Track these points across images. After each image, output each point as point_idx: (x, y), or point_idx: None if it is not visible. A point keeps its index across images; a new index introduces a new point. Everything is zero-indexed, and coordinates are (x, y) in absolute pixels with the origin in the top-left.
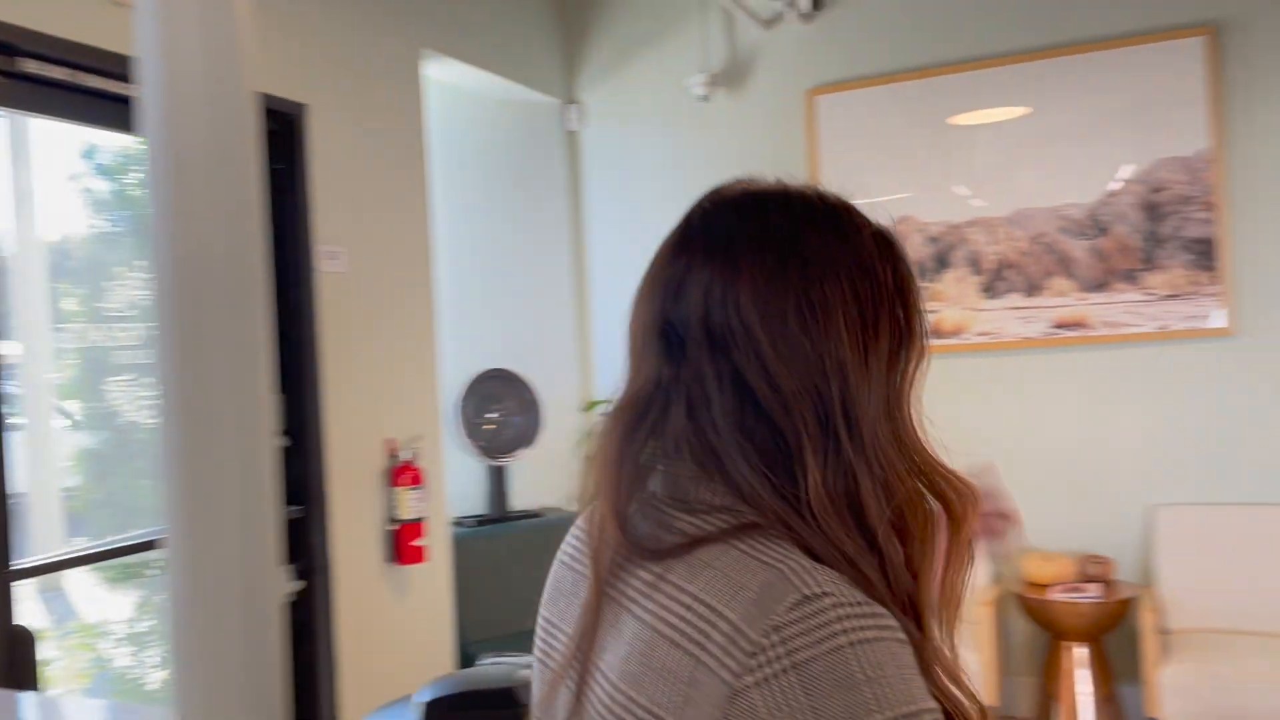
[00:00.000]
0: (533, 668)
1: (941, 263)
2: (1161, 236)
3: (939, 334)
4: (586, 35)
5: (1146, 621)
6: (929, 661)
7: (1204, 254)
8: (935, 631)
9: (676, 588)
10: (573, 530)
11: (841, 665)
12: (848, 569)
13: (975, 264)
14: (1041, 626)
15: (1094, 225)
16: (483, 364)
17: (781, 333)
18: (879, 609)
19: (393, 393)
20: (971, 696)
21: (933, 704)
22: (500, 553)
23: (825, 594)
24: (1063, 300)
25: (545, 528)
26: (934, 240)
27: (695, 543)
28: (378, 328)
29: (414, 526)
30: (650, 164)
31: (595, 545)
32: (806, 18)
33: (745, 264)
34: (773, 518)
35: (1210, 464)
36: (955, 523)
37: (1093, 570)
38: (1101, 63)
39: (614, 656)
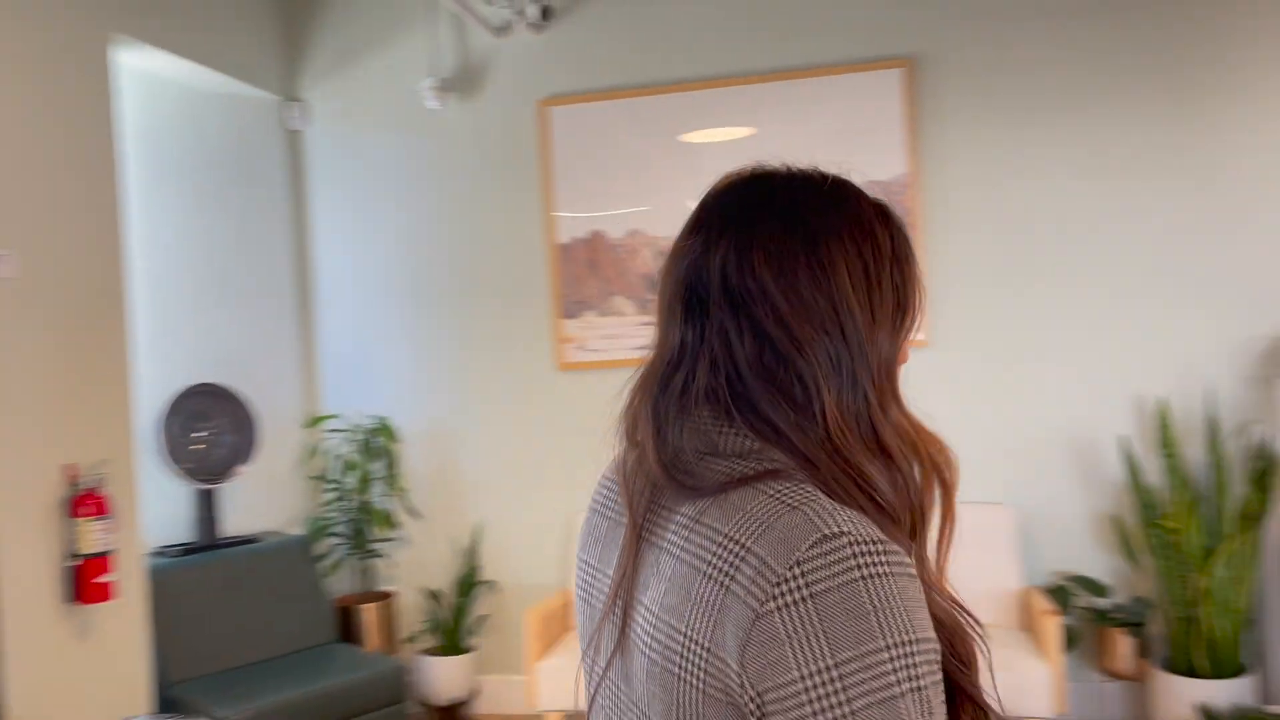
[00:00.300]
0: (576, 606)
1: None
2: None
3: None
4: (310, 30)
5: None
6: (929, 581)
7: None
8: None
9: (711, 529)
10: (602, 481)
11: (853, 596)
12: (866, 501)
13: None
14: None
15: None
16: (189, 379)
17: (794, 287)
18: (893, 547)
19: (75, 413)
20: (968, 613)
21: (933, 636)
22: (209, 583)
23: (843, 533)
24: None
25: (263, 554)
26: (664, 254)
27: (726, 486)
28: (56, 339)
29: (99, 561)
30: (381, 169)
31: (630, 493)
32: (536, 28)
33: (757, 231)
34: (797, 457)
35: None
36: (944, 483)
37: None
38: (814, 89)
39: (655, 592)
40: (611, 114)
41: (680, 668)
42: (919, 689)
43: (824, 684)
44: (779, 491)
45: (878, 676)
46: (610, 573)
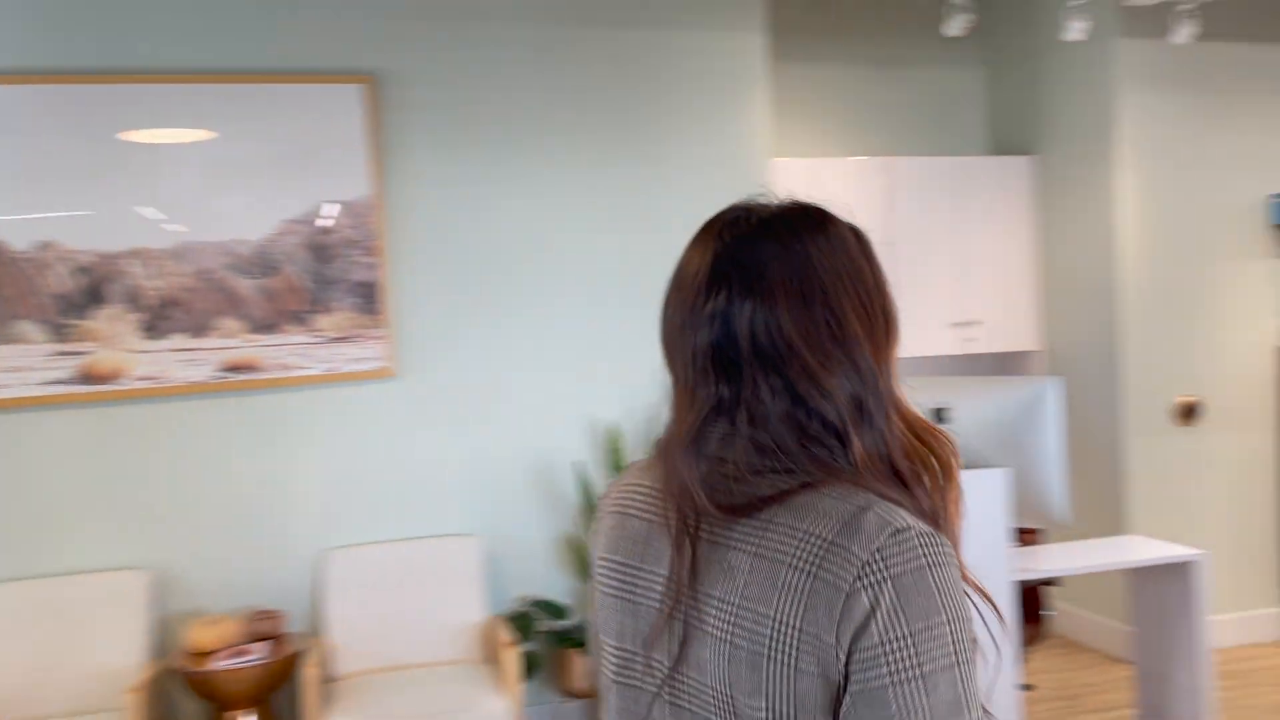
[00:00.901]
0: (603, 602)
1: (94, 297)
2: (329, 279)
3: (93, 379)
4: None
5: (310, 673)
6: (961, 569)
7: (368, 297)
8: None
9: (788, 527)
10: (631, 485)
11: (923, 579)
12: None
13: (135, 300)
14: (205, 700)
15: (263, 264)
16: None
17: (819, 345)
18: (944, 539)
19: None
20: (986, 595)
21: (973, 616)
22: None
23: (910, 527)
24: (232, 342)
25: None
26: (84, 271)
27: (788, 493)
28: None
29: None
30: None
31: (678, 507)
32: None
33: (779, 295)
34: (843, 476)
35: (380, 502)
36: (945, 467)
37: (261, 628)
38: (276, 96)
39: (730, 585)
40: (19, 101)
41: (771, 648)
42: (968, 661)
43: (900, 649)
44: (842, 494)
45: (940, 645)
46: (660, 571)
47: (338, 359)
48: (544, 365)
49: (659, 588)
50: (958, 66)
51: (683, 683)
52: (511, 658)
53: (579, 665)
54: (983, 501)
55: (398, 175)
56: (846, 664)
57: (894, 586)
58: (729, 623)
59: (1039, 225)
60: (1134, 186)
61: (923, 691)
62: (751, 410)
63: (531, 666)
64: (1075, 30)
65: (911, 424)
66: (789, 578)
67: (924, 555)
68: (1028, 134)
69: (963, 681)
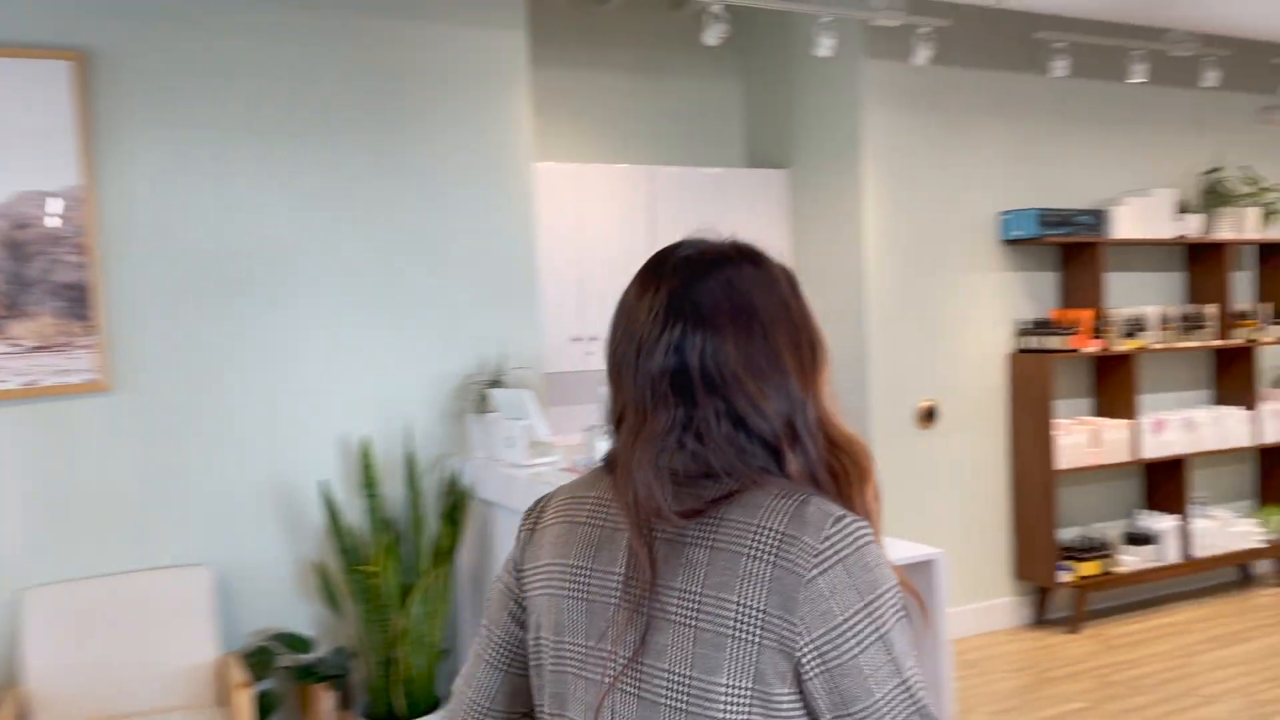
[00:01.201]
0: (550, 604)
1: None
2: (29, 280)
3: None
4: None
5: None
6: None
7: (77, 301)
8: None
9: (741, 522)
10: (582, 500)
11: (866, 555)
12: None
13: None
14: None
15: None
16: None
17: (759, 374)
18: (870, 524)
19: None
20: (901, 574)
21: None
22: None
23: (845, 514)
24: None
25: None
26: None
27: (734, 493)
28: None
29: None
30: None
31: (636, 512)
32: None
33: (726, 329)
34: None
35: (90, 533)
36: (863, 472)
37: None
38: None
39: (690, 576)
40: None
41: (734, 629)
42: (906, 617)
43: (859, 621)
44: (782, 491)
45: (889, 609)
46: (616, 570)
47: (39, 371)
48: (285, 377)
49: (614, 585)
50: (717, 79)
51: (639, 671)
52: (245, 699)
53: (324, 700)
54: None
55: (112, 164)
56: (815, 643)
57: (844, 568)
58: (692, 609)
59: (794, 237)
60: (879, 202)
61: (884, 649)
62: (700, 430)
63: (269, 706)
64: (825, 47)
65: (834, 436)
66: (750, 566)
67: (861, 537)
68: (782, 148)
69: (907, 633)
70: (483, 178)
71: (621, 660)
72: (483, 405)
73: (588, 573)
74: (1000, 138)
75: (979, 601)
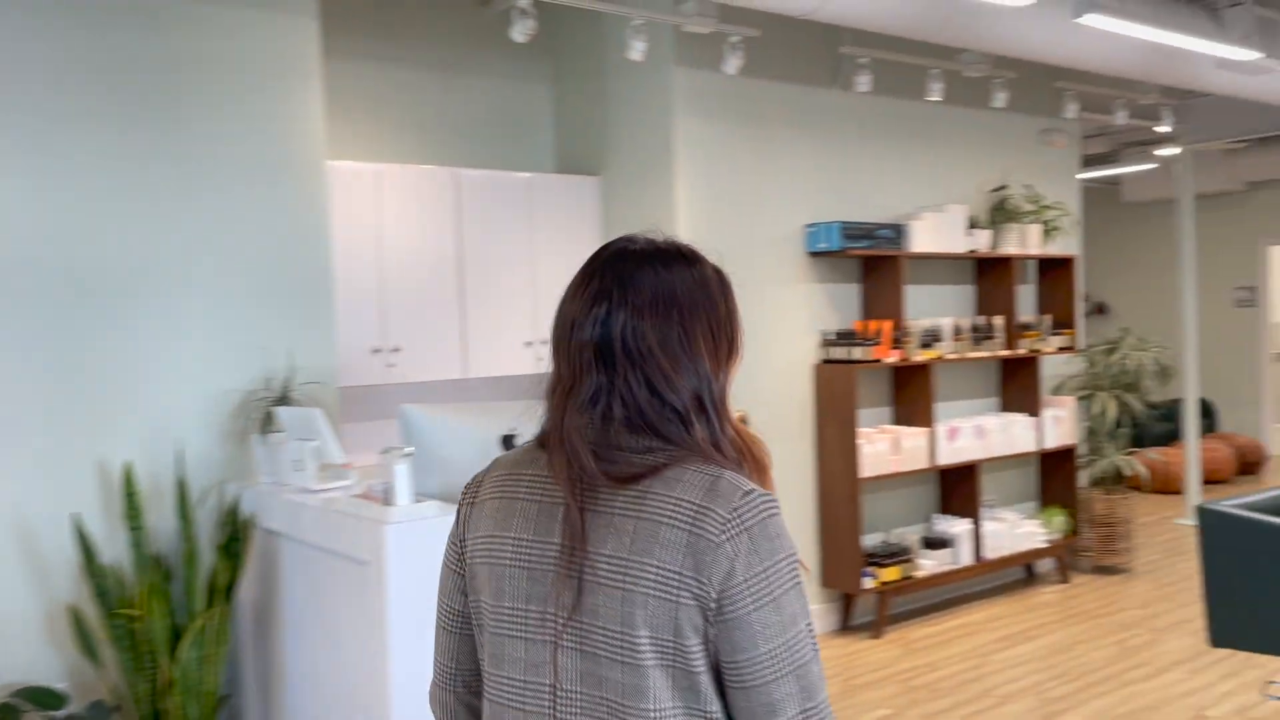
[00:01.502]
0: (491, 572)
1: None
2: None
3: None
4: None
5: None
6: None
7: None
8: None
9: (663, 495)
10: (519, 478)
11: (769, 526)
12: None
13: None
14: None
15: None
16: None
17: (671, 353)
18: (775, 497)
19: None
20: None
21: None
22: None
23: (752, 490)
24: None
25: None
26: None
27: (659, 468)
28: None
29: None
30: None
31: (568, 482)
32: None
33: (646, 309)
34: (692, 451)
35: None
36: (759, 463)
37: None
38: None
39: (619, 543)
40: None
41: (657, 588)
42: (799, 585)
43: (757, 583)
44: (699, 467)
45: (785, 575)
46: (554, 540)
47: None
48: (30, 394)
49: (552, 555)
50: (527, 81)
51: (578, 627)
52: None
53: None
54: None
55: None
56: (718, 598)
57: (749, 536)
58: (620, 572)
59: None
60: (691, 212)
61: (775, 611)
62: (623, 396)
63: None
64: (636, 50)
65: (737, 431)
66: (669, 535)
67: (765, 509)
68: (594, 154)
69: (800, 599)
70: (271, 174)
71: (562, 620)
72: (268, 425)
73: (527, 544)
74: (806, 151)
75: None
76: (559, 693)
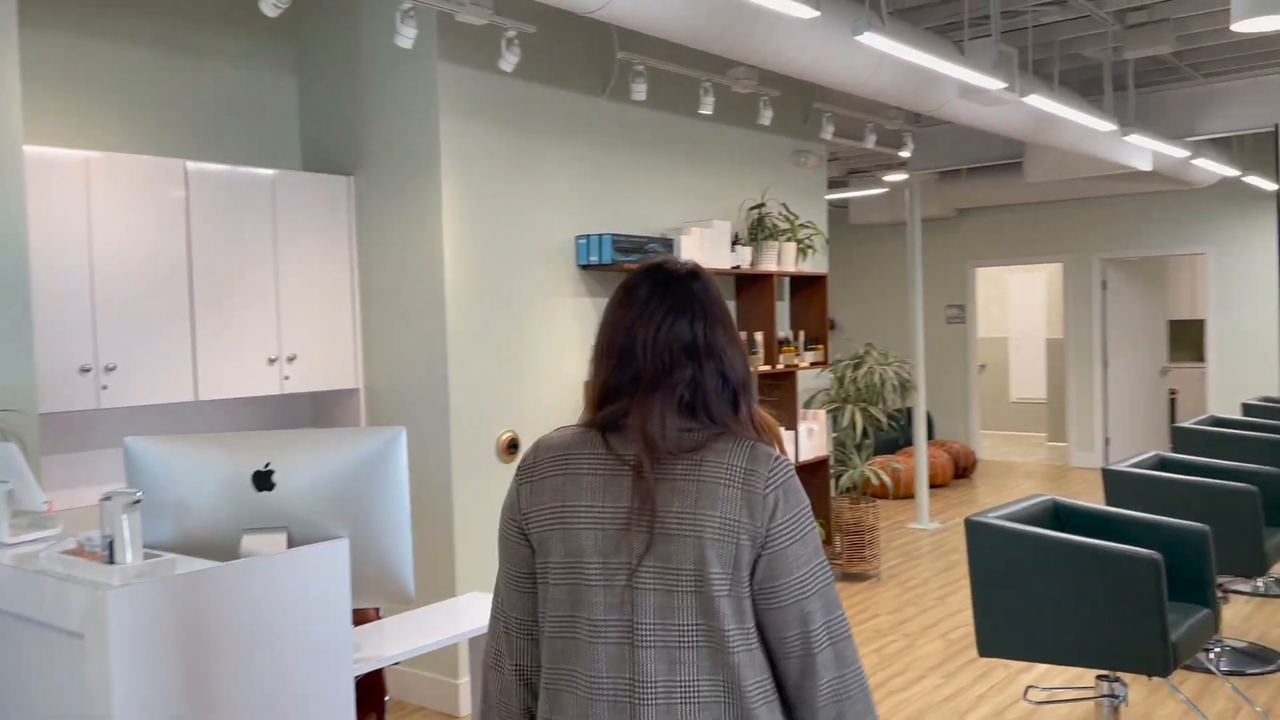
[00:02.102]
0: (564, 535)
1: None
2: None
3: None
4: None
5: None
6: None
7: None
8: None
9: (715, 463)
10: (579, 456)
11: (794, 484)
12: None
13: None
14: None
15: None
16: None
17: (732, 350)
18: (790, 461)
19: None
20: None
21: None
22: None
23: (779, 456)
24: None
25: None
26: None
27: (708, 442)
28: None
29: None
30: None
31: (648, 455)
32: None
33: (712, 316)
34: (729, 429)
35: None
36: (777, 437)
37: None
38: None
39: (683, 502)
40: None
41: (721, 533)
42: (816, 527)
43: (791, 524)
44: (738, 439)
45: (807, 517)
46: (624, 504)
47: None
48: None
49: (624, 516)
50: (270, 70)
51: (651, 571)
52: None
53: None
54: (317, 583)
55: None
56: (765, 534)
57: (783, 489)
58: (690, 524)
59: (361, 250)
60: (458, 219)
61: (803, 544)
62: (702, 384)
63: None
64: (405, 37)
65: (757, 411)
66: (725, 492)
67: (789, 470)
68: (347, 153)
69: (818, 538)
70: None
71: (631, 566)
72: None
73: (598, 510)
74: (576, 160)
75: None
76: (636, 625)
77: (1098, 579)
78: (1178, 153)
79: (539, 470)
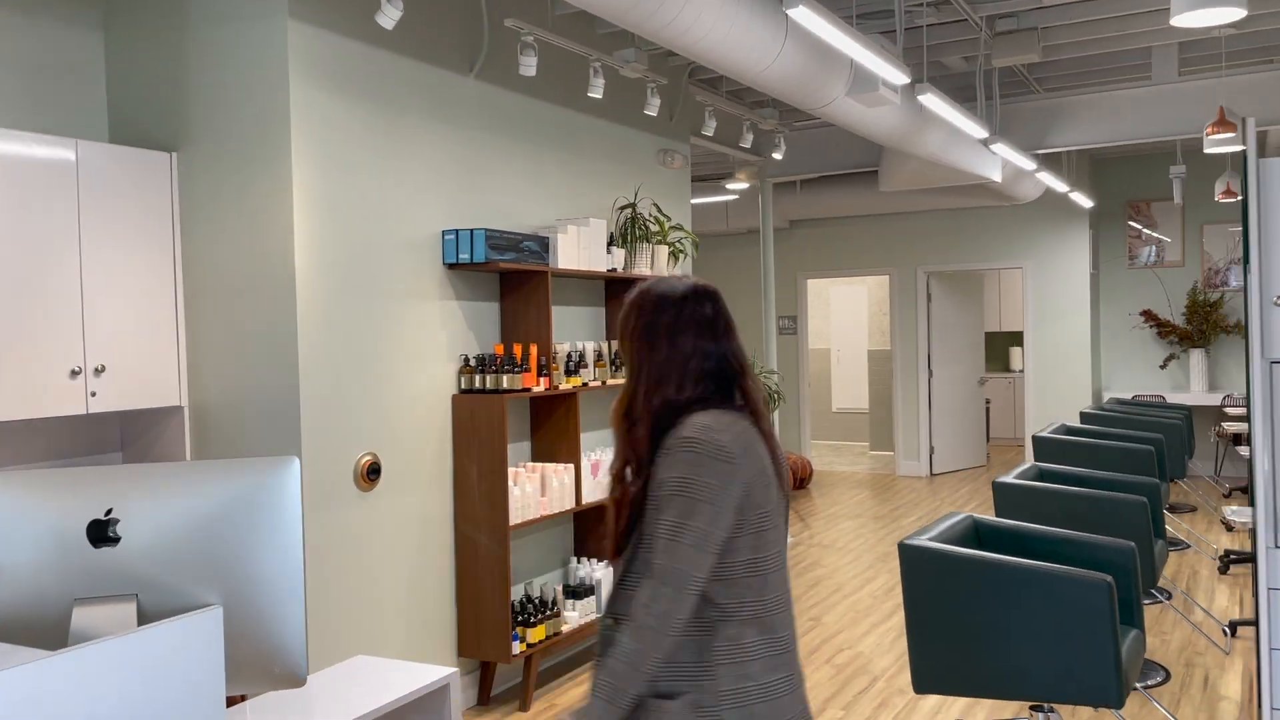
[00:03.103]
0: (776, 495)
1: None
2: None
3: None
4: None
5: None
6: None
7: None
8: None
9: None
10: (747, 429)
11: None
12: None
13: None
14: None
15: None
16: None
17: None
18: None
19: None
20: None
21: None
22: None
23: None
24: None
25: None
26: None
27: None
28: None
29: None
30: None
31: (766, 423)
32: None
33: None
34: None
35: None
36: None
37: None
38: None
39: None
40: None
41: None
42: (682, 498)
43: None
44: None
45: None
46: (768, 461)
47: None
48: None
49: (771, 470)
50: (69, 24)
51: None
52: None
53: None
54: (181, 669)
55: None
56: None
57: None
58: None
59: (185, 240)
60: (309, 206)
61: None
62: (747, 374)
63: None
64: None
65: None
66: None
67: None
68: (167, 124)
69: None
70: None
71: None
72: None
73: (770, 468)
74: (444, 144)
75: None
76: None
77: (1043, 605)
78: (1029, 165)
79: (735, 444)
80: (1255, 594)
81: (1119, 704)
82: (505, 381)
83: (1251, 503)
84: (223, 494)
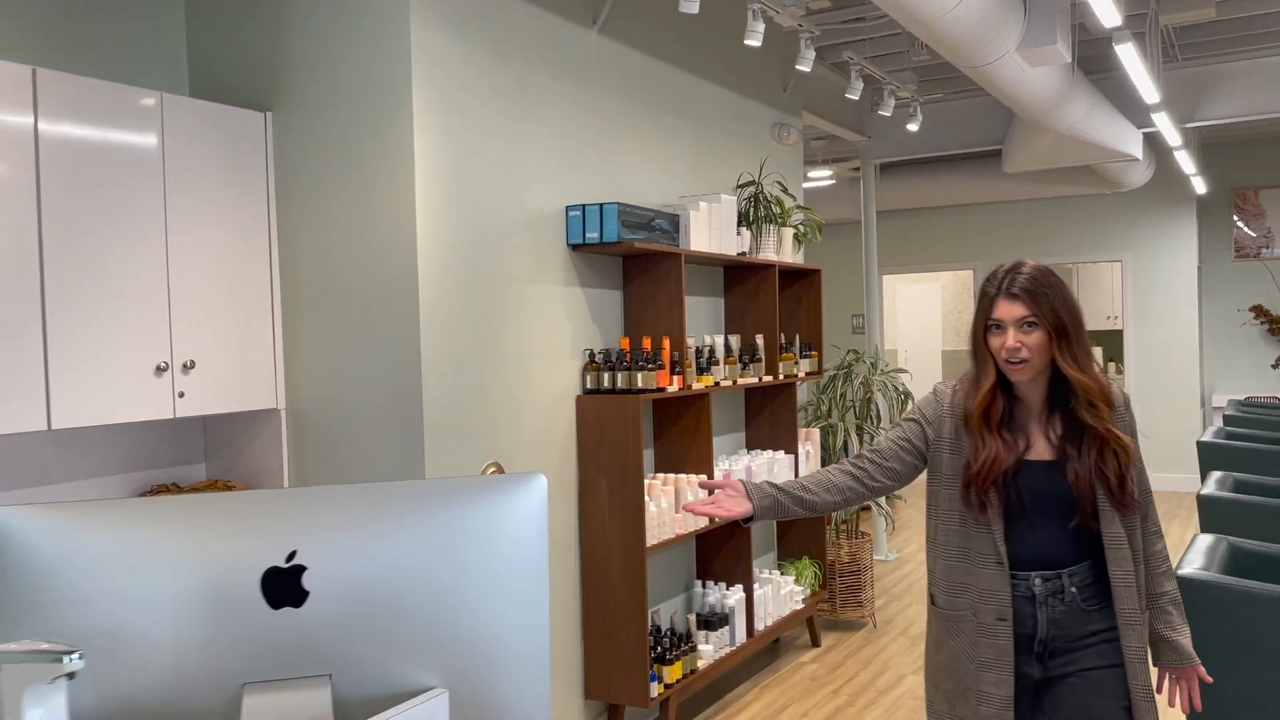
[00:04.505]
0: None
1: None
2: None
3: None
4: None
5: None
6: None
7: None
8: None
9: None
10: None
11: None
12: None
13: None
14: None
15: None
16: None
17: None
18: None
19: None
20: None
21: None
22: None
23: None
24: None
25: None
26: None
27: None
28: None
29: None
30: None
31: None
32: None
33: None
34: None
35: None
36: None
37: None
38: None
39: None
40: None
41: None
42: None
43: None
44: None
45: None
46: None
47: None
48: None
49: None
50: None
51: None
52: None
53: None
54: None
55: None
56: None
57: None
58: None
59: (282, 221)
60: (433, 179)
61: None
62: None
63: None
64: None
65: None
66: None
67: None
68: (259, 79)
69: None
70: None
71: None
72: None
73: None
74: (565, 108)
75: None
76: None
77: None
78: (1176, 139)
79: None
80: None
81: None
82: (640, 380)
83: None
84: (447, 529)
